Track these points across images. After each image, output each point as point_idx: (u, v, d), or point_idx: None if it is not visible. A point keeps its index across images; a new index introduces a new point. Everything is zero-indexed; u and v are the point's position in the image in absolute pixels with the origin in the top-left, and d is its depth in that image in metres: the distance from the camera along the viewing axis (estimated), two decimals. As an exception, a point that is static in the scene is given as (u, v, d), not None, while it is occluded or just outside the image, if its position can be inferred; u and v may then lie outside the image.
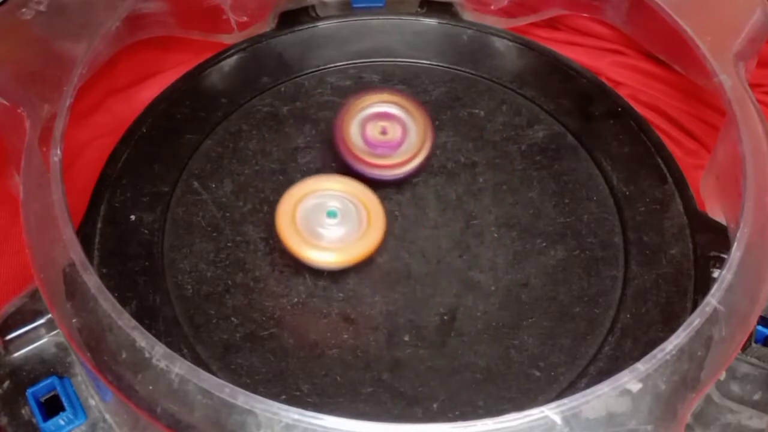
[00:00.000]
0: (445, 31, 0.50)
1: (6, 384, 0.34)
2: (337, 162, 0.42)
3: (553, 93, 0.46)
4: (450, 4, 0.52)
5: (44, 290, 0.31)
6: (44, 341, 0.35)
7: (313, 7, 0.51)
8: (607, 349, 0.36)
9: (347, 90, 0.46)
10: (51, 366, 0.35)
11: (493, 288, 0.38)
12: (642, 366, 0.28)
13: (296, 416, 0.27)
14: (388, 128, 0.40)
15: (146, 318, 0.36)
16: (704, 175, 0.42)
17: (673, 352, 0.29)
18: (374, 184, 0.39)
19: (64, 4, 0.40)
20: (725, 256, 0.33)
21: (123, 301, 0.32)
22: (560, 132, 0.44)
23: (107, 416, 0.34)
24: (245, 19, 0.49)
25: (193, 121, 0.44)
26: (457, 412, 0.34)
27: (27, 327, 0.35)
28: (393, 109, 0.41)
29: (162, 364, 0.28)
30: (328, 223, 0.37)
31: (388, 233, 0.40)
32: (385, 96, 0.41)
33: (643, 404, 0.28)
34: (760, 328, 0.35)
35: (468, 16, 0.52)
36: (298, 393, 0.34)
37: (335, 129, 0.41)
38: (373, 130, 0.40)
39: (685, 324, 0.29)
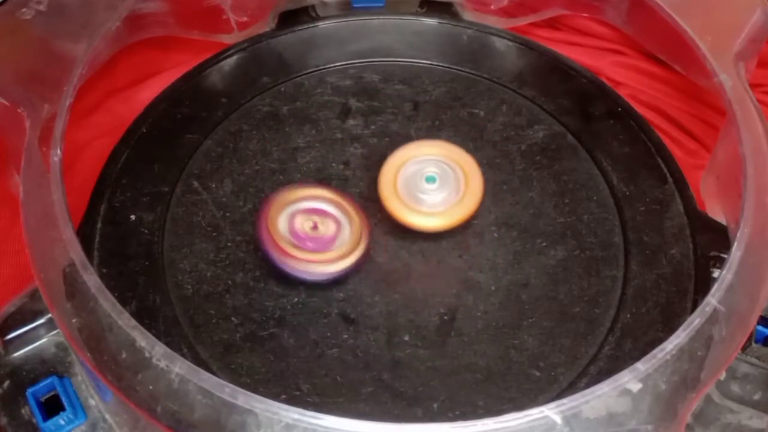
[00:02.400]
0: (445, 31, 0.50)
1: (6, 384, 0.34)
2: (337, 163, 0.42)
3: (553, 93, 0.46)
4: (450, 4, 0.52)
5: (44, 290, 0.31)
6: (44, 341, 0.35)
7: (313, 7, 0.51)
8: (607, 349, 0.36)
9: (347, 90, 0.46)
10: (51, 366, 0.35)
11: (493, 288, 0.38)
12: (642, 366, 0.28)
13: (296, 416, 0.27)
14: (319, 224, 0.37)
15: (146, 318, 0.36)
16: (704, 175, 0.42)
17: (673, 352, 0.29)
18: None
19: (64, 4, 0.40)
20: (725, 256, 0.33)
21: (123, 301, 0.32)
22: (560, 132, 0.44)
23: (107, 416, 0.34)
24: (245, 19, 0.49)
25: (193, 121, 0.44)
26: (457, 412, 0.34)
27: (27, 327, 0.35)
28: (328, 207, 0.38)
29: (162, 364, 0.28)
30: (427, 188, 0.38)
31: (388, 233, 0.40)
32: (320, 192, 0.38)
33: (643, 404, 0.28)
34: (760, 328, 0.35)
35: (468, 16, 0.52)
36: (298, 393, 0.34)
37: (258, 219, 0.37)
38: (303, 224, 0.37)
39: (685, 324, 0.29)
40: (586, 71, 0.48)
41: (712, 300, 0.30)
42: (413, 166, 0.39)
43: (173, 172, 0.42)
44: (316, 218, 0.37)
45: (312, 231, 0.37)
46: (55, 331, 0.35)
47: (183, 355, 0.32)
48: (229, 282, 0.38)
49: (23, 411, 0.33)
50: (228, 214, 0.40)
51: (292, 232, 0.37)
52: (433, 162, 0.39)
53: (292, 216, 0.37)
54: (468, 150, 0.43)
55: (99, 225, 0.39)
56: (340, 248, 0.37)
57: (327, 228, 0.37)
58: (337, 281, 0.38)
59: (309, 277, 0.37)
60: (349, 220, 0.38)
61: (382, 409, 0.34)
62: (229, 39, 0.49)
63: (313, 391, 0.35)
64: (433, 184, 0.38)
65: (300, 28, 0.49)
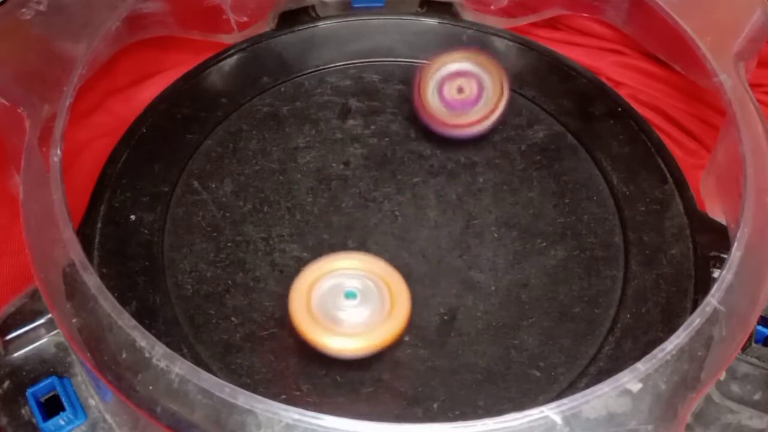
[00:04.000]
0: (445, 31, 0.50)
1: (6, 384, 0.34)
2: (337, 163, 0.42)
3: (553, 93, 0.46)
4: (450, 4, 0.52)
5: (44, 290, 0.31)
6: (44, 341, 0.35)
7: (313, 7, 0.51)
8: (607, 349, 0.36)
9: (347, 90, 0.46)
10: (51, 366, 0.35)
11: (493, 288, 0.38)
12: (642, 366, 0.28)
13: (296, 416, 0.27)
14: (464, 86, 0.41)
15: (146, 318, 0.36)
16: (704, 175, 0.42)
17: (673, 352, 0.29)
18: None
19: (64, 4, 0.40)
20: (725, 256, 0.33)
21: (123, 301, 0.32)
22: (560, 132, 0.44)
23: (107, 416, 0.34)
24: (245, 19, 0.49)
25: (193, 121, 0.44)
26: (457, 412, 0.34)
27: (27, 327, 0.35)
28: (468, 66, 0.42)
29: (162, 364, 0.28)
30: (347, 305, 0.34)
31: (388, 233, 0.40)
32: (459, 54, 0.42)
33: (643, 404, 0.28)
34: (760, 328, 0.35)
35: (468, 16, 0.52)
36: (298, 393, 0.34)
37: (413, 94, 0.42)
38: (450, 90, 0.41)
39: (685, 324, 0.29)
40: (586, 71, 0.48)
41: (712, 300, 0.30)
42: (330, 280, 0.34)
43: (173, 172, 0.42)
44: (460, 81, 0.41)
45: (459, 94, 0.41)
46: (55, 331, 0.35)
47: (183, 355, 0.32)
48: (229, 282, 0.38)
49: (23, 411, 0.33)
50: (228, 214, 0.40)
51: (443, 99, 0.41)
52: (353, 276, 0.35)
53: (440, 84, 0.42)
54: (467, 150, 0.43)
55: (99, 225, 0.39)
56: (487, 104, 0.41)
57: (471, 88, 0.41)
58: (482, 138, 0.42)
59: (467, 135, 0.42)
60: (489, 75, 0.42)
61: (382, 409, 0.34)
62: (229, 39, 0.49)
63: (313, 391, 0.35)
64: (353, 300, 0.34)
65: (300, 28, 0.49)
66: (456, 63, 0.42)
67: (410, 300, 0.34)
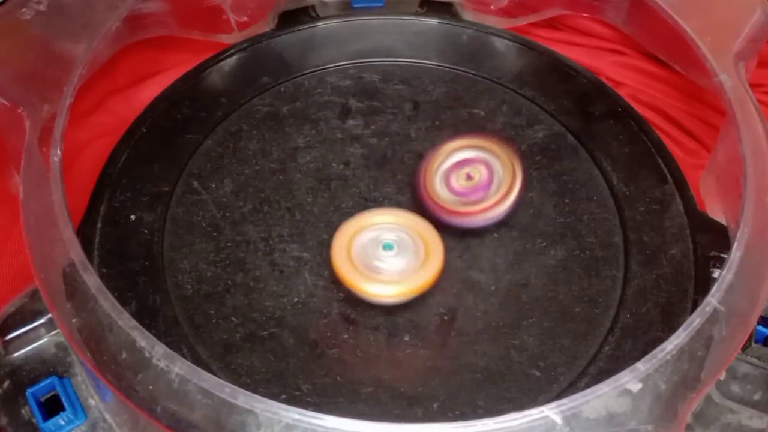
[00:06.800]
0: (445, 31, 0.50)
1: (6, 384, 0.34)
2: (337, 163, 0.42)
3: (553, 93, 0.46)
4: (450, 4, 0.52)
5: (44, 290, 0.31)
6: (44, 341, 0.35)
7: (313, 7, 0.51)
8: (607, 349, 0.36)
9: (347, 90, 0.46)
10: (51, 366, 0.35)
11: (493, 288, 0.38)
12: (642, 366, 0.28)
13: (296, 416, 0.27)
14: (472, 173, 0.39)
15: (146, 318, 0.36)
16: (704, 175, 0.42)
17: (673, 352, 0.29)
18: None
19: (64, 4, 0.40)
20: (725, 256, 0.33)
21: (123, 301, 0.32)
22: (560, 132, 0.44)
23: (107, 416, 0.34)
24: (245, 19, 0.49)
25: (193, 121, 0.44)
26: (457, 412, 0.34)
27: (27, 327, 0.35)
28: (472, 153, 0.40)
29: (162, 364, 0.28)
30: (384, 255, 0.37)
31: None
32: (460, 143, 0.40)
33: (643, 404, 0.28)
34: (760, 328, 0.35)
35: (468, 16, 0.52)
36: (298, 393, 0.34)
37: (419, 191, 0.39)
38: (458, 180, 0.39)
39: (685, 324, 0.29)
40: (586, 71, 0.48)
41: (712, 300, 0.30)
42: (369, 233, 0.37)
43: (173, 172, 0.42)
44: (466, 169, 0.39)
45: (468, 182, 0.39)
46: (55, 331, 0.35)
47: (183, 355, 0.32)
48: (229, 282, 0.38)
49: (23, 411, 0.33)
50: (228, 214, 0.40)
51: (452, 190, 0.39)
52: (390, 229, 0.37)
53: (446, 176, 0.39)
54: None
55: (99, 225, 0.39)
56: (500, 187, 0.39)
57: (480, 174, 0.39)
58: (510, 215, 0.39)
59: (484, 223, 0.39)
60: (497, 157, 0.39)
61: (382, 409, 0.34)
62: (229, 39, 0.49)
63: (313, 391, 0.35)
64: (390, 251, 0.37)
65: (300, 28, 0.49)
66: (459, 153, 0.40)
67: (444, 253, 0.37)
